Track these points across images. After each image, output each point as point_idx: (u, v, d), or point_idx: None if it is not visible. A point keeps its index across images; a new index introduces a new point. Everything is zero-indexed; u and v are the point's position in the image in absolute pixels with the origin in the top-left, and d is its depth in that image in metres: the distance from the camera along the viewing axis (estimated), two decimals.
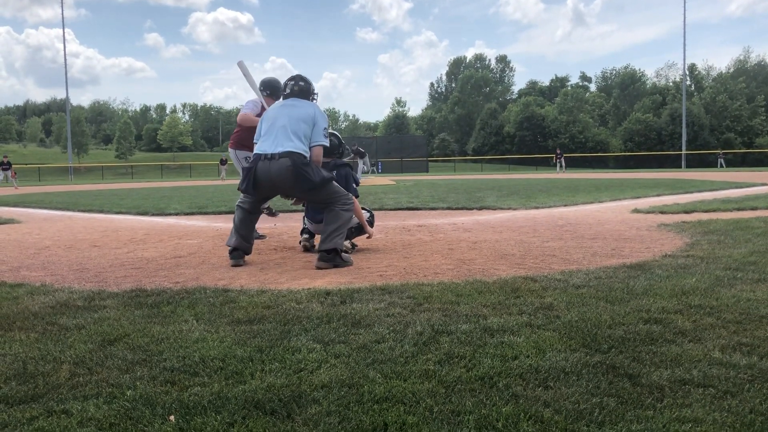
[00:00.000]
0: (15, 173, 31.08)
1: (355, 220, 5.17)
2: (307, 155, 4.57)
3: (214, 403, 1.85)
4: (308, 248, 5.33)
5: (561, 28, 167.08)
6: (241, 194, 4.81)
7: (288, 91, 4.85)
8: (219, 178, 41.20)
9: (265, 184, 4.58)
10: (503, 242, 5.58)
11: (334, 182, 4.72)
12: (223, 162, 43.55)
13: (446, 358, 2.24)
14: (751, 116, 69.46)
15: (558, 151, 43.40)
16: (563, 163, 41.09)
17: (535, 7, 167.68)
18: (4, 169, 30.15)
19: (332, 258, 4.42)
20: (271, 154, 4.50)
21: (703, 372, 2.06)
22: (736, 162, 58.95)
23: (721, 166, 49.30)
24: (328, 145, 4.80)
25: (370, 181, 23.47)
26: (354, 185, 5.32)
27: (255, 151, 4.68)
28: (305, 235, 5.39)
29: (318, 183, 4.53)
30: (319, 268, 4.38)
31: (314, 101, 4.91)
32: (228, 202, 11.44)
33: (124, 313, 2.98)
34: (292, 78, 4.91)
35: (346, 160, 5.58)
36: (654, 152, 63.03)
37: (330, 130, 5.50)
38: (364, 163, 23.92)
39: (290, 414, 1.79)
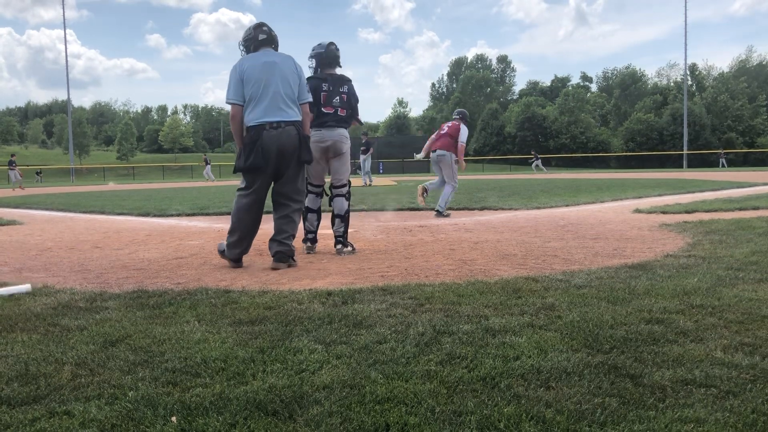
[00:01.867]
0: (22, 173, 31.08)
1: (345, 206, 5.31)
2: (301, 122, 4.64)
3: (216, 404, 1.85)
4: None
5: (563, 28, 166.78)
6: (238, 190, 4.60)
7: (263, 37, 4.60)
8: (206, 179, 40.55)
9: (273, 155, 4.43)
10: (505, 242, 5.58)
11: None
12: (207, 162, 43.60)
13: (448, 359, 2.24)
14: (753, 116, 69.33)
15: (533, 153, 43.52)
16: (540, 165, 40.65)
17: (538, 7, 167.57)
18: (13, 167, 29.72)
19: (289, 257, 4.53)
20: (277, 122, 4.45)
21: (705, 372, 2.06)
22: (737, 162, 58.91)
23: (723, 165, 49.37)
24: (312, 100, 4.79)
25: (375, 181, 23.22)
26: (356, 103, 5.41)
27: (257, 121, 4.42)
28: (308, 243, 5.39)
29: (309, 160, 4.65)
30: (275, 268, 4.43)
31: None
32: (230, 203, 11.44)
33: (125, 314, 2.99)
34: (260, 24, 4.67)
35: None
36: (655, 152, 62.93)
37: (326, 41, 5.37)
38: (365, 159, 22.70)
39: (292, 415, 1.79)
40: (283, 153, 4.46)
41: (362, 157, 22.56)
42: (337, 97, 5.25)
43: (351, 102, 5.33)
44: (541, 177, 29.55)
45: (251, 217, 4.58)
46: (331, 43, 5.36)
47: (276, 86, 4.46)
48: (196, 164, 66.42)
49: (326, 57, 5.30)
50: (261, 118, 4.43)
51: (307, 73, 5.17)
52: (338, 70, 5.41)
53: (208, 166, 40.62)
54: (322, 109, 5.20)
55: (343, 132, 5.33)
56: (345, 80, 5.34)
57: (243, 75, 4.48)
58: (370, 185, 21.50)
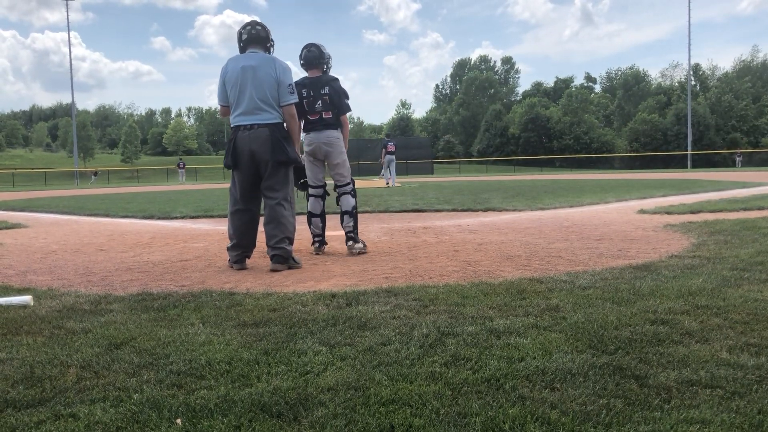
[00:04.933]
0: None
1: (352, 202, 5.32)
2: (283, 124, 4.63)
3: (221, 406, 1.86)
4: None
5: (569, 28, 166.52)
6: (229, 203, 4.79)
7: (246, 37, 4.67)
8: (180, 182, 43.03)
9: (245, 156, 4.57)
10: (509, 244, 5.57)
11: (290, 175, 4.76)
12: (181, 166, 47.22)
13: (452, 360, 2.24)
14: (757, 116, 69.22)
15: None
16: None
17: (543, 7, 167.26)
18: None
19: (286, 260, 4.54)
20: (250, 125, 4.55)
21: (711, 373, 2.05)
22: (742, 161, 58.79)
23: (738, 165, 50.37)
24: (296, 101, 4.73)
25: (375, 183, 23.25)
26: (346, 100, 5.36)
27: (234, 123, 4.64)
28: (316, 245, 5.40)
29: (291, 159, 4.62)
30: (274, 270, 4.45)
31: (271, 51, 4.76)
32: None
33: (130, 317, 2.99)
34: (249, 23, 4.72)
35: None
36: (659, 152, 62.82)
37: (313, 42, 5.34)
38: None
39: (296, 417, 1.79)
40: (254, 154, 4.56)
41: (387, 157, 22.64)
42: (319, 102, 5.23)
43: (335, 101, 5.26)
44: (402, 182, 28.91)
45: (239, 219, 4.70)
46: (308, 44, 5.35)
47: (250, 90, 4.55)
48: (200, 167, 66.66)
49: (304, 59, 5.33)
50: (238, 121, 4.61)
51: (302, 74, 5.33)
52: (332, 71, 5.41)
53: (182, 170, 43.47)
54: (308, 116, 5.25)
55: (332, 133, 5.30)
56: (325, 81, 5.27)
57: (225, 78, 4.67)
58: (391, 185, 21.50)
